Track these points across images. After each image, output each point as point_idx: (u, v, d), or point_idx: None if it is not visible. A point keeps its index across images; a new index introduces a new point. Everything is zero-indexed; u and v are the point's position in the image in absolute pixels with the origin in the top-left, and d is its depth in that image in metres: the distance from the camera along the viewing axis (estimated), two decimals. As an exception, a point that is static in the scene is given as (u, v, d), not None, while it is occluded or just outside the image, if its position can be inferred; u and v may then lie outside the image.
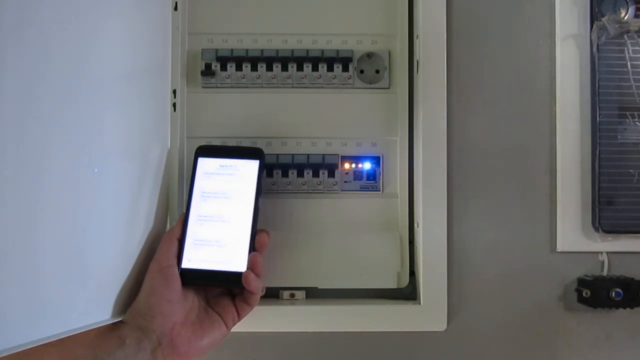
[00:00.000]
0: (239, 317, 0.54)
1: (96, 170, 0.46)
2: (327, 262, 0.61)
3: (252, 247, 0.54)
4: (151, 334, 0.48)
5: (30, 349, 0.39)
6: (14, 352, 0.37)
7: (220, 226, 0.55)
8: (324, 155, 0.62)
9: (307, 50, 0.63)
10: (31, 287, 0.40)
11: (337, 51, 0.63)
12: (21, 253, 0.38)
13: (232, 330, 0.53)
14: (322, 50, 0.63)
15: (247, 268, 0.53)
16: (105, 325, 0.48)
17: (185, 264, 0.53)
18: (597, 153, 0.61)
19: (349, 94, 0.63)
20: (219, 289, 0.55)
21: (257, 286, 0.52)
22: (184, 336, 0.49)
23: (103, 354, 0.45)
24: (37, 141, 0.40)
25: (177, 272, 0.52)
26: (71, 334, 0.43)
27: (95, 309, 0.47)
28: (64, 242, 0.43)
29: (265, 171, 0.62)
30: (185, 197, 0.59)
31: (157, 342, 0.48)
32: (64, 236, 0.43)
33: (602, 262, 0.63)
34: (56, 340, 0.42)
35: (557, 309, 0.63)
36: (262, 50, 0.62)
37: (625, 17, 0.62)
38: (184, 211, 0.55)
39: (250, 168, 0.56)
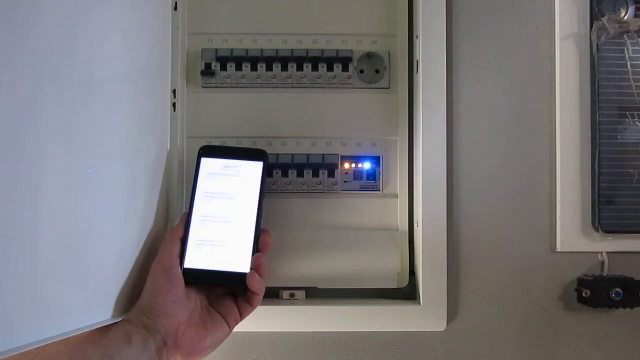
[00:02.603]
0: (241, 317, 0.54)
1: (90, 170, 0.46)
2: (327, 262, 0.61)
3: (256, 248, 0.54)
4: (156, 333, 0.48)
5: (38, 348, 0.39)
6: (17, 352, 0.37)
7: (224, 227, 0.55)
8: (324, 155, 0.62)
9: (307, 50, 0.63)
10: (33, 288, 0.40)
11: (337, 51, 0.63)
12: (22, 254, 0.38)
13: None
14: (322, 50, 0.63)
15: (251, 269, 0.53)
16: (112, 324, 0.48)
17: (188, 264, 0.53)
18: (597, 153, 0.61)
19: (349, 94, 0.63)
20: (221, 289, 0.55)
21: (260, 287, 0.53)
22: (188, 336, 0.50)
23: (112, 352, 0.45)
24: (36, 142, 0.40)
25: (180, 273, 0.52)
26: (75, 334, 0.44)
27: (95, 309, 0.47)
28: (64, 242, 0.43)
29: (266, 171, 0.62)
30: (187, 197, 0.59)
31: (162, 342, 0.48)
32: (64, 237, 0.43)
33: (602, 262, 0.63)
34: (64, 340, 0.42)
35: (557, 309, 0.63)
36: (262, 50, 0.62)
37: (625, 17, 0.62)
38: (186, 211, 0.56)
39: (254, 169, 0.56)
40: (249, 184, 0.56)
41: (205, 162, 0.56)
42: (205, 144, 0.59)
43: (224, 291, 0.55)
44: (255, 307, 0.54)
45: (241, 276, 0.53)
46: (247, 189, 0.55)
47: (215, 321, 0.52)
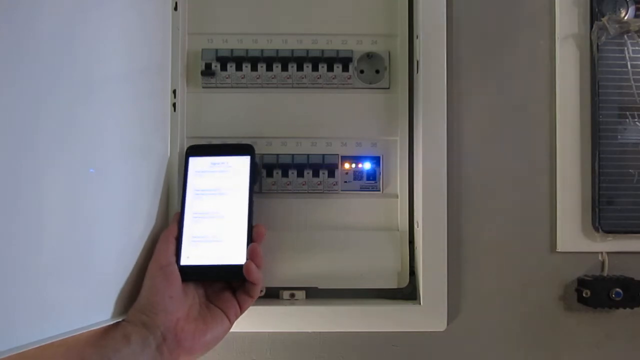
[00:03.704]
0: (241, 310, 0.54)
1: (92, 170, 0.46)
2: (327, 262, 0.61)
3: (250, 240, 0.55)
4: (155, 330, 0.48)
5: (37, 349, 0.39)
6: (17, 352, 0.37)
7: (217, 222, 0.55)
8: (324, 155, 0.62)
9: (307, 50, 0.63)
10: (33, 288, 0.40)
11: (337, 51, 0.63)
12: (24, 254, 0.38)
13: (232, 330, 0.54)
14: (322, 50, 0.63)
15: (247, 259, 0.53)
16: (111, 325, 0.48)
17: (184, 261, 0.54)
18: (597, 153, 0.61)
19: (349, 94, 0.63)
20: (219, 285, 0.55)
21: (258, 277, 0.53)
22: (187, 331, 0.50)
23: (110, 352, 0.45)
24: (38, 142, 0.40)
25: (176, 270, 0.52)
26: (74, 334, 0.44)
27: (95, 309, 0.47)
28: (66, 242, 0.43)
29: (265, 171, 0.62)
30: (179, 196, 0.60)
31: (162, 338, 0.48)
32: (66, 237, 0.43)
33: (602, 262, 0.63)
34: (62, 340, 0.42)
35: (557, 309, 0.63)
36: (262, 50, 0.62)
37: (625, 17, 0.62)
38: (178, 210, 0.56)
39: (241, 164, 0.57)
40: (238, 178, 0.57)
41: (193, 161, 0.58)
42: (193, 144, 0.60)
43: (223, 286, 0.55)
44: (255, 299, 0.54)
45: (238, 268, 0.53)
46: (236, 184, 0.56)
47: (215, 316, 0.52)
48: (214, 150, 0.59)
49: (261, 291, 0.57)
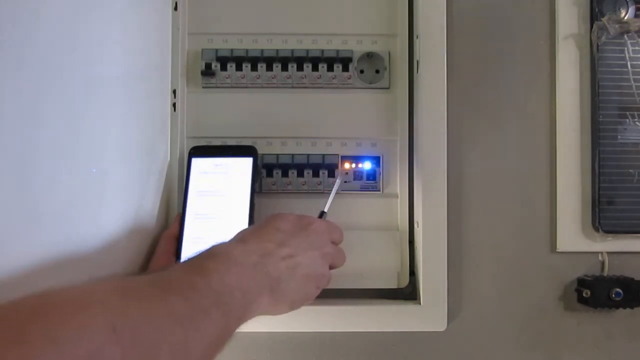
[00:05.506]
0: None
1: (94, 170, 0.47)
2: (327, 262, 0.61)
3: None
4: None
5: None
6: None
7: (218, 223, 0.55)
8: (324, 155, 0.62)
9: (307, 50, 0.63)
10: (34, 288, 0.39)
11: (337, 51, 0.63)
12: (24, 254, 0.38)
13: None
14: (322, 50, 0.63)
15: None
16: None
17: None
18: (597, 153, 0.61)
19: (349, 94, 0.63)
20: None
21: None
22: None
23: None
24: (40, 142, 0.40)
25: None
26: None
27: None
28: (67, 243, 0.43)
29: (265, 171, 0.62)
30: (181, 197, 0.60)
31: None
32: (67, 238, 0.43)
33: (602, 262, 0.63)
34: None
35: (557, 309, 0.63)
36: (262, 50, 0.62)
37: (625, 17, 0.62)
38: (180, 211, 0.56)
39: (244, 166, 0.57)
40: (240, 180, 0.57)
41: (196, 162, 0.58)
42: (196, 145, 0.60)
43: None
44: None
45: None
46: (238, 185, 0.56)
47: None
48: (216, 151, 0.59)
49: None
